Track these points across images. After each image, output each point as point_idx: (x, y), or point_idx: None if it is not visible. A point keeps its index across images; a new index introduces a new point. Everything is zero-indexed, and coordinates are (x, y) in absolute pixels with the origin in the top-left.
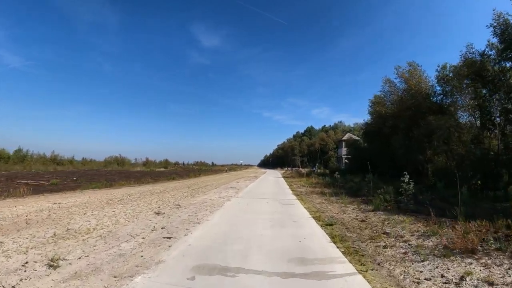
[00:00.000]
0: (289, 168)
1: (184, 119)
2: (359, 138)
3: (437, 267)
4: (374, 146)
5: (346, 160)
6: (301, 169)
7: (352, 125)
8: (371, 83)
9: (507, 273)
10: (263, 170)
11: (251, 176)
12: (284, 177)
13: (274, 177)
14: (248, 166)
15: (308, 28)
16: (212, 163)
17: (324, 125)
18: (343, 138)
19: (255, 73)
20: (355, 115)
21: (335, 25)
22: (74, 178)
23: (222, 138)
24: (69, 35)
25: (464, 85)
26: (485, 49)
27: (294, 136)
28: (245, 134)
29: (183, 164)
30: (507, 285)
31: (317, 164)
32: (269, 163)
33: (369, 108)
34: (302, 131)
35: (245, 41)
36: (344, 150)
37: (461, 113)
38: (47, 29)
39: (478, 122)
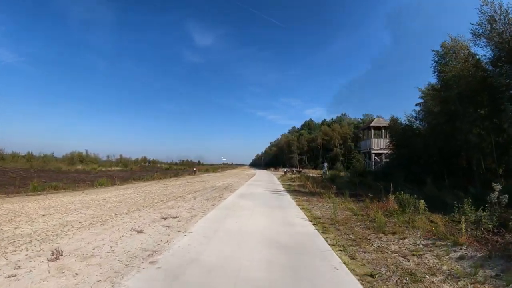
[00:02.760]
0: (288, 169)
1: (177, 118)
2: (408, 122)
3: None
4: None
5: (384, 158)
6: (306, 170)
7: (360, 118)
8: (364, 84)
9: None
10: (252, 171)
11: (222, 187)
12: (288, 188)
13: (265, 190)
14: (236, 166)
15: (301, 29)
16: (199, 161)
17: (325, 119)
18: (373, 124)
19: (248, 73)
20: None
21: (328, 27)
22: None
23: (215, 137)
24: (63, 32)
25: None
26: None
27: (290, 131)
28: (238, 134)
29: (149, 163)
30: None
31: (325, 163)
32: (260, 162)
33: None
34: (299, 127)
35: (239, 41)
36: (379, 143)
37: None
38: (41, 26)
39: None
